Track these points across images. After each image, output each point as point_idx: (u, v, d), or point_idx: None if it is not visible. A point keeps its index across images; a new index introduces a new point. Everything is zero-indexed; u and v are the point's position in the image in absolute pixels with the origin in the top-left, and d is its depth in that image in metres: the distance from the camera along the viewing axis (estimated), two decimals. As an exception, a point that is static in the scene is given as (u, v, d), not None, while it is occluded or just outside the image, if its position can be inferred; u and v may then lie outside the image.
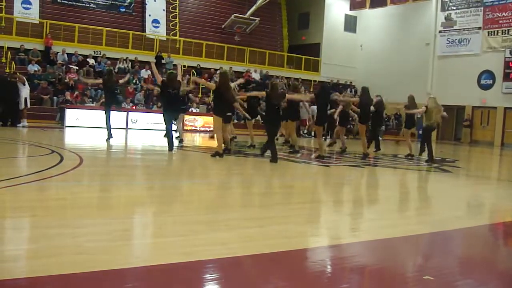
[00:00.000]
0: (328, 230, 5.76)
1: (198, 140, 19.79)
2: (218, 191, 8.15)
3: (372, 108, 14.87)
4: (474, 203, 8.72)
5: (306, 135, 25.99)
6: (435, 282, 4.00)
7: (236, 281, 3.76)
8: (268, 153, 12.11)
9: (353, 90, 34.90)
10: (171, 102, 12.94)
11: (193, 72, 29.51)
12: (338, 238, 5.37)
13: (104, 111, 14.85)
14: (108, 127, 14.77)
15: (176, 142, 14.61)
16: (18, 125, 18.78)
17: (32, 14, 26.70)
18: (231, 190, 8.38)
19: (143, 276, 3.73)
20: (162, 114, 13.44)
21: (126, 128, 21.75)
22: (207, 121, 24.01)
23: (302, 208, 6.94)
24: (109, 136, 14.65)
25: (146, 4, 30.89)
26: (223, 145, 12.38)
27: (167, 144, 12.91)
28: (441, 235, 5.71)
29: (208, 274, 3.91)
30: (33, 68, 23.89)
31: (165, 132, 14.05)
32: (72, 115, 21.13)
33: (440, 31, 32.49)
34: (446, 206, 7.91)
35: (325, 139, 21.34)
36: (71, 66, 25.36)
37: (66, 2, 28.37)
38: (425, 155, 14.88)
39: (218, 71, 27.56)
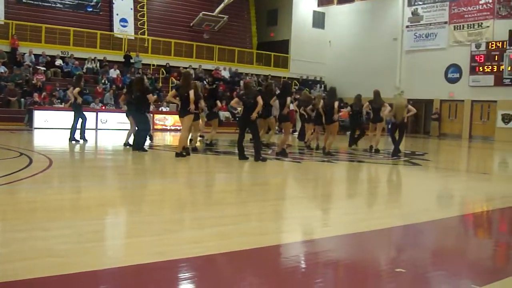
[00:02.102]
0: (302, 226, 5.79)
1: (169, 139, 19.68)
2: (190, 190, 8.13)
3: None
4: (444, 195, 8.86)
5: (277, 132, 26.04)
6: (407, 274, 4.06)
7: (211, 279, 3.76)
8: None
9: (322, 86, 35.12)
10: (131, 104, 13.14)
11: (162, 71, 29.33)
12: (312, 234, 5.41)
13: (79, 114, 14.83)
14: (82, 129, 14.90)
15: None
16: (-16, 128, 18.44)
17: (-3, 14, 26.22)
18: (203, 188, 8.36)
19: (116, 277, 3.71)
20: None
21: (96, 129, 21.49)
22: (177, 120, 23.81)
23: (275, 204, 6.97)
24: (73, 137, 14.60)
25: (113, 3, 30.49)
26: (196, 143, 12.33)
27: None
28: (412, 228, 5.79)
29: (182, 273, 3.90)
30: (-1, 69, 23.47)
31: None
32: (40, 117, 20.77)
33: (407, 26, 32.85)
34: (416, 199, 8.04)
35: (293, 133, 21.50)
36: (38, 67, 24.95)
37: (32, 2, 27.85)
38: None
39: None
